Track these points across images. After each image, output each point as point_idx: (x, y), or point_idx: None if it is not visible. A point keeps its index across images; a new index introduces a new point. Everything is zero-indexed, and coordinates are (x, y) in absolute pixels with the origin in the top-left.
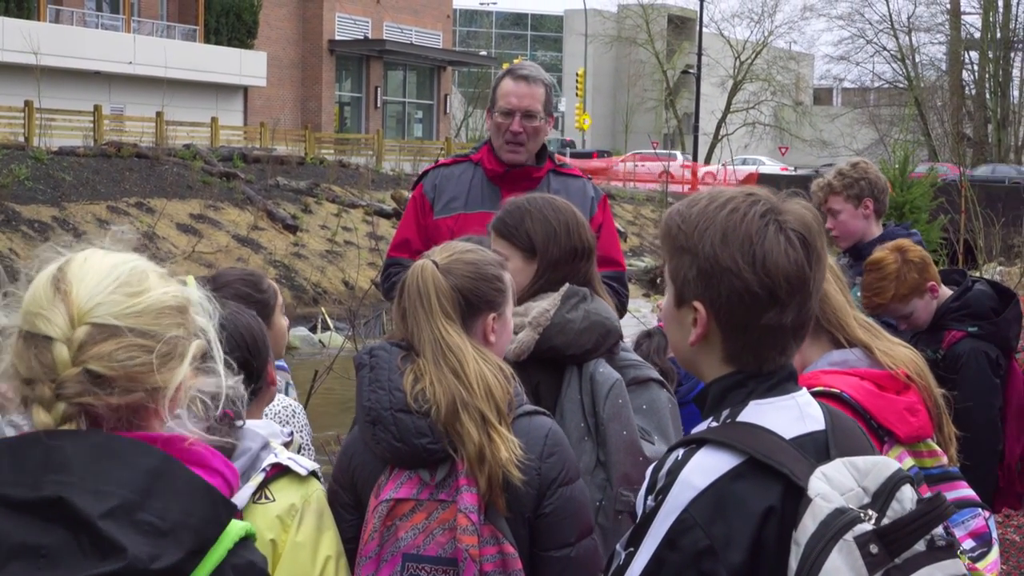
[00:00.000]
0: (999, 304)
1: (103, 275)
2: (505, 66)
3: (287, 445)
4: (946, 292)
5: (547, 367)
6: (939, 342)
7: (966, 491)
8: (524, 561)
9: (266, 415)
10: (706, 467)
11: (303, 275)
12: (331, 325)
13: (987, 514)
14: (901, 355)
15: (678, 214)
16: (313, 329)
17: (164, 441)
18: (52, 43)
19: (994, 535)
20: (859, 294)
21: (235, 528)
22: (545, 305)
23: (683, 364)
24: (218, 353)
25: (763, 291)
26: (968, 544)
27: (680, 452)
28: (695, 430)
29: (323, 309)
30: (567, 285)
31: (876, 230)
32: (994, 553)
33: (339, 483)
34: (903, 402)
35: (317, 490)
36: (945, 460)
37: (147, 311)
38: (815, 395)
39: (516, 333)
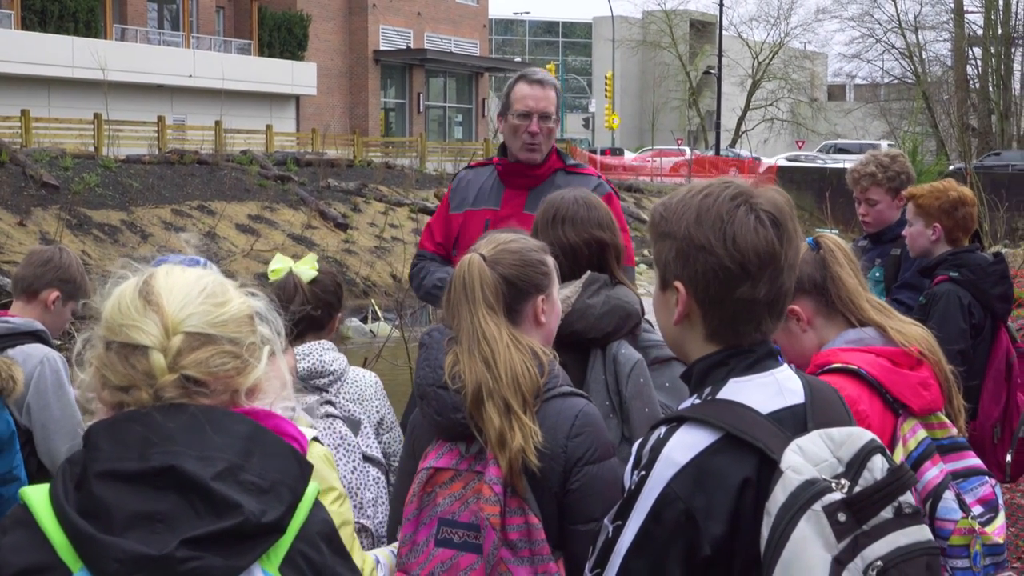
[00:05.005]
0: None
1: (189, 287)
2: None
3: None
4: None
5: (572, 350)
6: (930, 287)
7: (974, 460)
8: (554, 532)
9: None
10: (686, 444)
11: (354, 270)
12: (380, 316)
13: (994, 481)
14: (913, 333)
15: (661, 205)
16: (364, 320)
17: (248, 412)
18: (118, 60)
19: (1000, 501)
20: (877, 275)
21: (312, 487)
22: (567, 292)
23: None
24: (281, 357)
25: (735, 266)
26: (977, 510)
27: (662, 430)
28: (680, 407)
29: (373, 301)
30: (588, 272)
31: (898, 215)
32: (1001, 518)
33: (407, 453)
34: (916, 377)
35: (315, 451)
36: (955, 431)
37: (231, 320)
38: (834, 372)
39: None
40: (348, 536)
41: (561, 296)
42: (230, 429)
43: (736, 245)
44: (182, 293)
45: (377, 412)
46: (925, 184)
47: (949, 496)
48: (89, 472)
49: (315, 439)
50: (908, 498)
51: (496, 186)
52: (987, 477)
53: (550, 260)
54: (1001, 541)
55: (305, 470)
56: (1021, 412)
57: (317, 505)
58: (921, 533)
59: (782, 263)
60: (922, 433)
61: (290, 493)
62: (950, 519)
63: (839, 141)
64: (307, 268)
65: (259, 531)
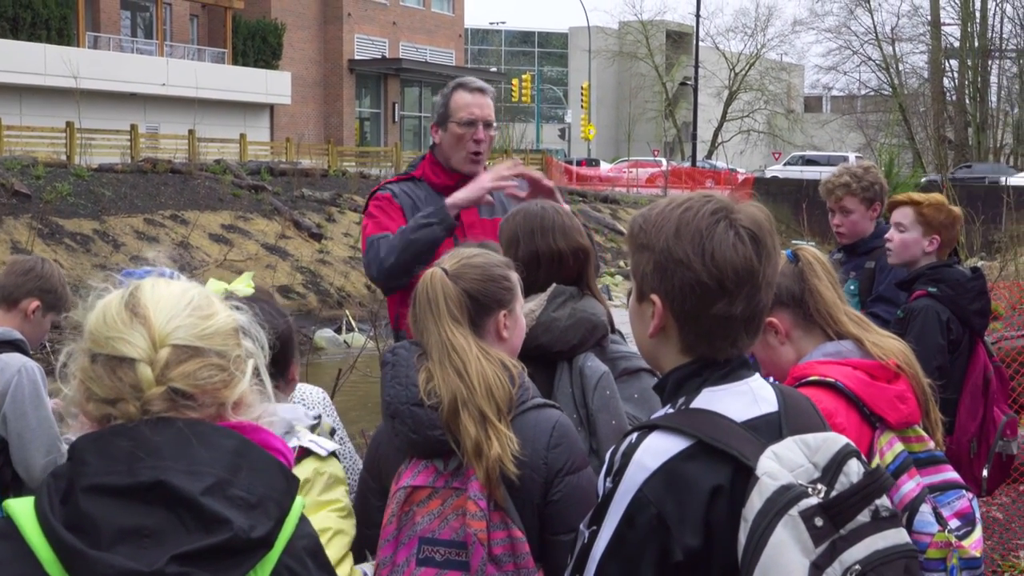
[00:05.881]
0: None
1: (176, 299)
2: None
3: (314, 428)
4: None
5: (539, 363)
6: (908, 301)
7: (951, 474)
8: (535, 544)
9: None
10: (657, 449)
11: (328, 280)
12: (355, 326)
13: (971, 495)
14: (891, 346)
15: (641, 216)
16: (338, 331)
17: (235, 426)
18: (91, 68)
19: (977, 515)
20: (852, 288)
21: (298, 501)
22: (532, 305)
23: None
24: (264, 371)
25: (712, 282)
26: (954, 523)
27: (634, 436)
28: (653, 416)
29: (347, 311)
30: (554, 285)
31: (872, 228)
32: (978, 531)
33: (368, 472)
34: (893, 390)
35: (332, 467)
36: (932, 445)
37: (217, 333)
38: (811, 384)
39: None
40: (344, 545)
41: (525, 310)
42: (217, 443)
43: (714, 261)
44: (169, 305)
45: None
46: (920, 194)
47: (926, 509)
48: (76, 486)
49: (333, 454)
50: (885, 501)
51: (437, 201)
52: (964, 491)
53: (514, 276)
54: (978, 555)
55: (292, 484)
56: (998, 427)
57: (303, 520)
58: (899, 536)
59: (760, 280)
60: (899, 446)
61: (277, 508)
62: (927, 532)
63: (807, 153)
64: (243, 287)
65: (248, 546)
